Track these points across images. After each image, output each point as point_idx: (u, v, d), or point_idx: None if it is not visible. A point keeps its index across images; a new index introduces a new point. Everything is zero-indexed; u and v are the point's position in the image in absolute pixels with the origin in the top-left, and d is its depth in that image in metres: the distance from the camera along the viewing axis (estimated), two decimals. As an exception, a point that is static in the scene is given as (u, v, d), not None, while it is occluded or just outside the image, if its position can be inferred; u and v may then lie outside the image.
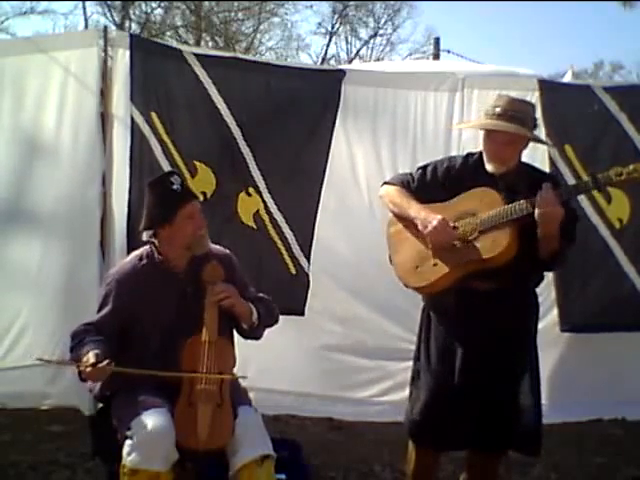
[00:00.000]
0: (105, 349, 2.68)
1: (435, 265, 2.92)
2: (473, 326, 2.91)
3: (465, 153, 3.15)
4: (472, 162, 3.04)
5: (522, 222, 2.80)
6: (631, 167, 2.78)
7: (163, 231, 2.89)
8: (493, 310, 2.90)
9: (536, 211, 2.74)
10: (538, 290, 4.37)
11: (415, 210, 2.97)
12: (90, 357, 2.60)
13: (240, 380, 2.85)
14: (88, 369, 2.58)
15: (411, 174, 3.14)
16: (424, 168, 3.11)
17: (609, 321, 4.30)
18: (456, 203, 2.95)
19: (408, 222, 3.01)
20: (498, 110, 2.92)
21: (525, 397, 2.97)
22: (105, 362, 2.58)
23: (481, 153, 3.04)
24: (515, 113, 2.91)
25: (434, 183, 3.04)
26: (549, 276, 4.37)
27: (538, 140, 3.13)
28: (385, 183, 3.18)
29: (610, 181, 2.83)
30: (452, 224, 2.90)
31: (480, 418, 2.93)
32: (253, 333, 3.01)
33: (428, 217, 2.90)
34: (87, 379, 2.67)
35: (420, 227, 2.93)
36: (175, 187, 2.83)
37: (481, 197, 2.90)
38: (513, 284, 2.91)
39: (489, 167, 2.96)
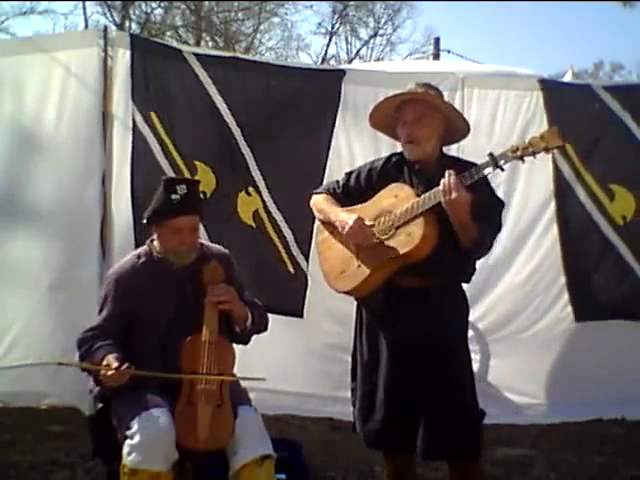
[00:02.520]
0: (120, 352, 2.71)
1: (359, 267, 2.90)
2: (402, 324, 2.87)
3: (389, 154, 3.13)
4: (394, 161, 3.03)
5: (437, 213, 2.78)
6: (526, 141, 2.79)
7: (156, 229, 2.90)
8: (421, 307, 2.86)
9: (441, 199, 2.72)
10: (538, 289, 4.43)
11: (334, 214, 2.98)
12: (112, 361, 2.63)
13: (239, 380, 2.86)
14: (110, 372, 2.61)
15: (335, 181, 3.15)
16: (349, 174, 3.12)
17: (618, 312, 4.33)
18: (374, 202, 2.95)
19: (332, 228, 3.01)
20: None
21: (458, 396, 2.86)
22: (125, 365, 2.61)
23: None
24: (419, 88, 2.94)
25: (357, 187, 3.05)
26: (549, 276, 4.38)
27: (451, 107, 3.06)
28: (314, 193, 3.18)
29: (507, 158, 2.80)
30: (370, 223, 2.88)
31: (415, 421, 2.84)
32: (243, 337, 3.01)
33: (345, 218, 2.91)
34: (108, 383, 2.67)
35: (339, 229, 2.93)
36: (174, 197, 2.82)
37: (395, 193, 2.90)
38: (441, 279, 2.87)
39: (406, 153, 2.95)
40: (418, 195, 2.83)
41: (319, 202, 3.12)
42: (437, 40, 16.57)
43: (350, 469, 3.70)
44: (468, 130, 3.03)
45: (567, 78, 5.72)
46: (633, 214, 4.35)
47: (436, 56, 15.60)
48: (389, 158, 3.06)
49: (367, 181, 3.04)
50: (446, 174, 2.72)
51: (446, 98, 4.31)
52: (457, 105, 4.26)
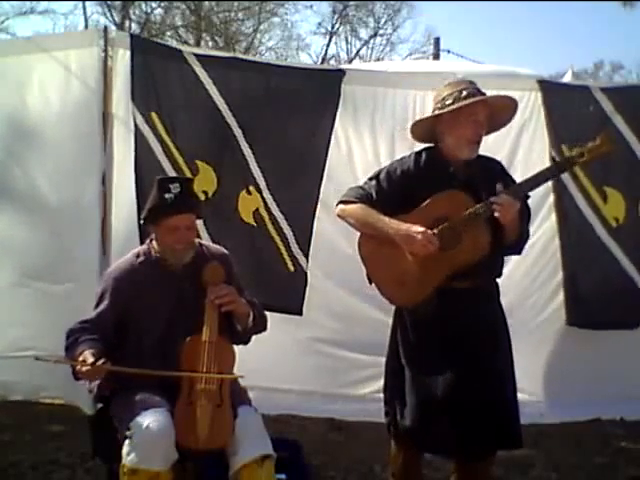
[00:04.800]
0: (101, 348, 2.69)
1: (421, 277, 2.88)
2: (456, 325, 2.88)
3: (413, 153, 3.07)
4: (425, 160, 2.98)
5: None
6: (589, 145, 2.84)
7: (153, 229, 2.90)
8: (472, 307, 2.89)
9: (496, 214, 2.77)
10: (534, 287, 4.43)
11: (393, 228, 2.88)
12: (87, 356, 2.61)
13: (239, 379, 2.85)
14: (84, 368, 2.59)
15: (362, 187, 3.05)
16: (376, 178, 3.02)
17: (612, 318, 4.34)
18: (427, 210, 2.90)
19: (382, 239, 2.93)
20: (466, 92, 2.90)
21: (509, 392, 2.92)
22: (101, 361, 2.59)
23: (429, 149, 3.01)
24: (477, 88, 2.96)
25: (392, 190, 2.97)
26: (547, 271, 4.39)
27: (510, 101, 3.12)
28: (340, 202, 3.07)
29: (572, 163, 2.89)
30: (432, 232, 2.86)
31: (470, 418, 2.84)
32: (244, 336, 3.01)
33: (410, 232, 2.84)
34: (83, 378, 2.66)
35: (403, 244, 2.87)
36: (167, 196, 2.82)
37: (449, 200, 2.88)
38: (488, 277, 2.95)
39: (465, 152, 2.91)
40: (477, 201, 2.83)
41: (358, 213, 2.99)
42: (437, 40, 16.56)
43: (350, 469, 3.70)
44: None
45: (567, 78, 5.72)
46: (625, 216, 4.39)
47: (436, 56, 15.59)
48: (416, 159, 3.00)
49: (401, 184, 2.96)
50: (497, 190, 2.77)
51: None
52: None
